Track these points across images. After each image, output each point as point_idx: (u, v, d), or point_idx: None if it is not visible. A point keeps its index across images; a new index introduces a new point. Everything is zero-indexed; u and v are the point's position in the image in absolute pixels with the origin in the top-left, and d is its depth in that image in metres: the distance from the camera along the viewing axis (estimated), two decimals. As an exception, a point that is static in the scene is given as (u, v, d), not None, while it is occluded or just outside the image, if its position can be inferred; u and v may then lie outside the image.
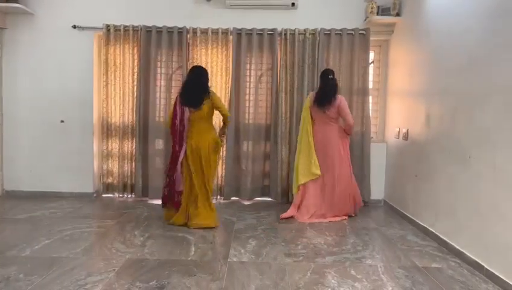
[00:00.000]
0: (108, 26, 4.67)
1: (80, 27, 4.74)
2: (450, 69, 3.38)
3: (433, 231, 3.54)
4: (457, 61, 3.27)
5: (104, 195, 4.91)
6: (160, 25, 4.67)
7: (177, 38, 4.69)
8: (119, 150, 4.81)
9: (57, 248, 3.10)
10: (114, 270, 2.70)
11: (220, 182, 4.87)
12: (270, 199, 4.88)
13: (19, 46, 4.79)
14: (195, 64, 4.64)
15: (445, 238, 3.33)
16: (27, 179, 4.87)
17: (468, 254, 2.97)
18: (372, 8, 4.58)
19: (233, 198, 4.90)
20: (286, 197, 4.79)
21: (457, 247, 3.12)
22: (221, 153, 4.65)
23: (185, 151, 3.75)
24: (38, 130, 4.84)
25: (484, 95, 2.87)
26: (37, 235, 3.39)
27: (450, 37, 3.41)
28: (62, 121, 4.82)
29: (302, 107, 4.67)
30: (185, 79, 3.93)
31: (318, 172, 4.11)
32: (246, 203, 4.84)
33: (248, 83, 4.79)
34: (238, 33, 4.71)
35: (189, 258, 2.96)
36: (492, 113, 2.78)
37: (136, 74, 4.74)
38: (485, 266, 2.76)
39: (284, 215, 4.15)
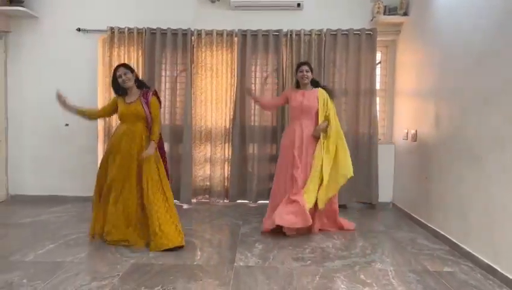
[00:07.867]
0: (112, 28, 4.64)
1: (85, 30, 4.72)
2: (459, 68, 3.31)
3: (444, 233, 3.45)
4: (466, 60, 3.20)
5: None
6: (165, 27, 4.64)
7: (182, 40, 4.65)
8: (124, 153, 4.76)
9: (61, 252, 3.06)
10: (118, 275, 2.65)
11: (225, 184, 4.83)
12: (276, 201, 4.81)
13: (23, 50, 4.78)
14: (200, 66, 4.65)
15: (456, 241, 3.24)
16: (32, 183, 4.86)
17: (481, 257, 2.88)
18: (378, 7, 4.52)
19: (239, 201, 4.85)
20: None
21: (469, 250, 3.04)
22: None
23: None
24: (43, 133, 4.83)
25: (493, 95, 2.80)
26: (41, 239, 3.36)
27: (458, 35, 3.34)
28: (67, 125, 4.79)
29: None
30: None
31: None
32: (252, 205, 4.78)
33: (253, 85, 4.74)
34: (243, 34, 4.66)
35: (194, 263, 2.90)
36: (501, 113, 2.71)
37: (141, 77, 4.70)
38: (499, 270, 2.67)
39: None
